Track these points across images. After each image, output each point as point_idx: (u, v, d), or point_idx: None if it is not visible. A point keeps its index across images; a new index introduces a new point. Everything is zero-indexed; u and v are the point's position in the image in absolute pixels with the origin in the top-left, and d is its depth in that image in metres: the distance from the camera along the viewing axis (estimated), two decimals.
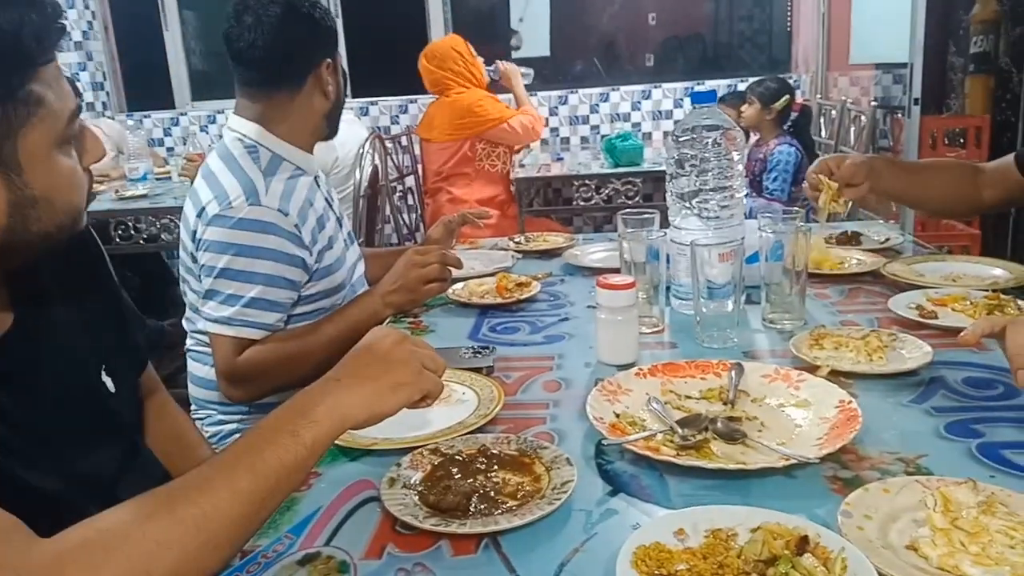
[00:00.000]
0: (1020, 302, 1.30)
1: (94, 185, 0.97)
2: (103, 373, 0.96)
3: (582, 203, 3.64)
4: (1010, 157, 1.58)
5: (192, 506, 0.64)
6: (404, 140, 4.00)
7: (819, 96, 4.59)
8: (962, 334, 0.98)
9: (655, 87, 4.73)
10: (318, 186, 1.57)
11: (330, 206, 1.60)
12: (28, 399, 0.82)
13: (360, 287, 1.63)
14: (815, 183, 1.50)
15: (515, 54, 4.92)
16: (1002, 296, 1.31)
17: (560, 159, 4.20)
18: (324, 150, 2.43)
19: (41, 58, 0.75)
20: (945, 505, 0.73)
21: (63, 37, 0.79)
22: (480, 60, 3.55)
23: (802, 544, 0.66)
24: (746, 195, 1.39)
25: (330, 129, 1.56)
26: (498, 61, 3.73)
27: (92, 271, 1.03)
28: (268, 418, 0.74)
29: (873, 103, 4.16)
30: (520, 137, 3.52)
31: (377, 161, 3.25)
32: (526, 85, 3.79)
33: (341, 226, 1.62)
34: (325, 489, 0.87)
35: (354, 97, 4.72)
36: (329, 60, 1.50)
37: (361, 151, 3.04)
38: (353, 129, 3.38)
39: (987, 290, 1.36)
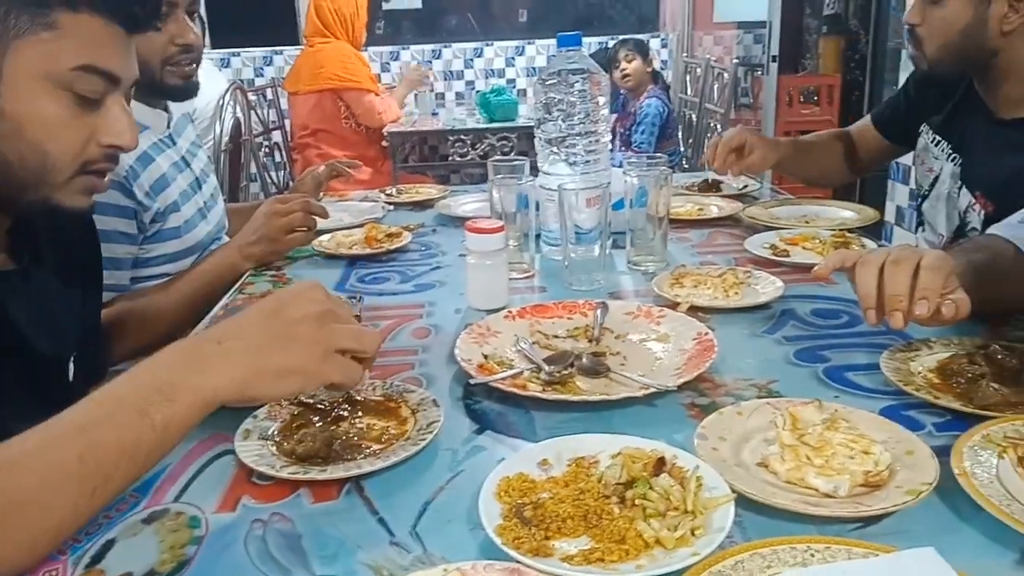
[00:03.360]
0: (865, 240, 1.39)
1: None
2: (72, 361, 0.94)
3: (458, 159, 3.61)
4: (867, 121, 1.68)
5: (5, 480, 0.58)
6: (269, 93, 3.82)
7: (685, 54, 4.71)
8: (815, 268, 1.02)
9: (528, 43, 4.72)
10: (172, 143, 1.46)
11: (188, 165, 1.50)
12: None
13: None
14: (710, 157, 1.60)
15: (386, 6, 4.77)
16: (848, 234, 1.40)
17: (435, 114, 4.14)
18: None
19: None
20: (793, 424, 0.77)
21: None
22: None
23: (659, 466, 0.68)
24: (617, 150, 1.42)
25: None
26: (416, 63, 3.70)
27: (89, 260, 1.05)
28: (119, 380, 0.65)
29: (735, 61, 4.32)
30: (369, 114, 3.43)
31: (239, 114, 3.09)
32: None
33: (200, 188, 1.52)
34: (175, 447, 0.82)
35: (214, 48, 4.46)
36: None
37: (221, 103, 2.88)
38: (212, 80, 3.18)
39: (835, 230, 1.44)
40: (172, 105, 1.51)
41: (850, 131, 1.73)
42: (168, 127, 1.49)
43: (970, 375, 0.86)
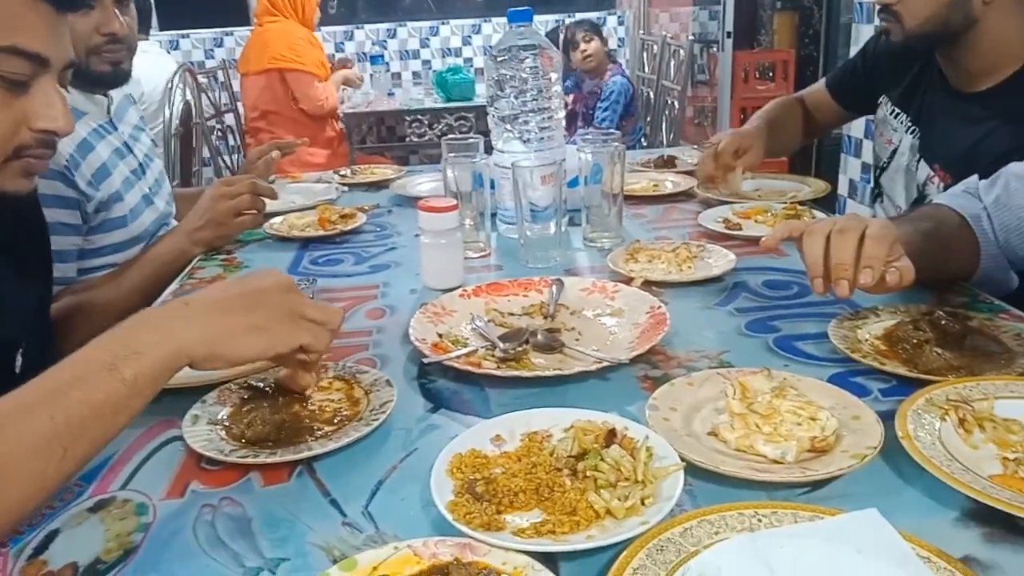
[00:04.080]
0: (816, 212, 1.41)
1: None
2: (21, 354, 0.91)
3: (415, 139, 3.57)
4: (822, 86, 1.69)
5: None
6: (220, 75, 3.74)
7: (641, 32, 4.72)
8: (763, 239, 1.03)
9: (485, 21, 4.69)
10: (114, 129, 1.42)
11: (130, 151, 1.46)
12: None
13: None
14: (710, 173, 1.55)
15: None
16: (799, 207, 1.42)
17: (392, 95, 4.09)
18: (127, 85, 2.21)
19: None
20: (743, 393, 0.77)
21: None
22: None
23: (610, 437, 0.68)
24: (579, 129, 1.41)
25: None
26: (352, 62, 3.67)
27: (37, 247, 1.01)
28: (88, 345, 0.64)
29: (691, 38, 4.33)
30: (309, 99, 3.37)
31: (189, 97, 3.01)
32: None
33: (144, 175, 1.48)
34: (122, 434, 0.79)
35: (162, 30, 4.35)
36: None
37: (169, 86, 2.81)
38: (159, 62, 3.12)
39: (787, 203, 1.46)
40: (112, 90, 1.46)
41: (804, 97, 1.74)
42: (108, 113, 1.45)
43: (915, 341, 0.88)
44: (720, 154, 1.53)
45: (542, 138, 1.36)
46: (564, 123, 1.44)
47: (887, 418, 0.72)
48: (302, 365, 0.78)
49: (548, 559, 0.57)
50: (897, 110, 1.46)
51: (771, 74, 4.24)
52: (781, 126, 1.70)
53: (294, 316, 0.71)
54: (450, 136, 1.43)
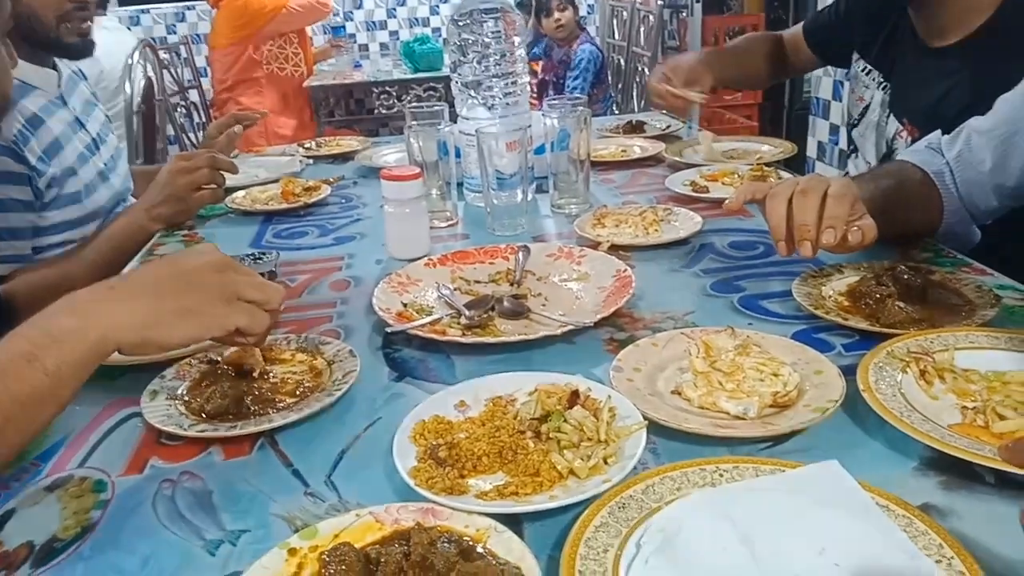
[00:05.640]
0: (783, 172, 1.40)
1: None
2: None
3: (384, 111, 3.53)
4: (799, 30, 1.68)
5: None
6: (183, 51, 3.66)
7: None
8: (727, 201, 1.03)
9: None
10: (64, 103, 1.38)
11: (83, 126, 1.42)
12: None
13: None
14: (661, 92, 1.55)
15: None
16: (765, 168, 1.41)
17: (359, 66, 4.03)
18: (87, 61, 2.16)
19: None
20: (706, 351, 0.77)
21: None
22: None
23: (573, 398, 0.68)
24: (549, 98, 1.40)
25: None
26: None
27: None
28: (10, 334, 0.61)
29: (660, 3, 4.28)
30: (307, 16, 3.31)
31: (151, 73, 2.94)
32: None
33: (98, 150, 1.44)
34: (79, 412, 0.78)
35: (121, 5, 4.24)
36: None
37: (129, 62, 2.73)
38: (118, 38, 3.03)
39: (753, 164, 1.45)
40: (61, 63, 1.43)
41: (782, 36, 1.73)
42: (59, 86, 1.41)
43: (878, 296, 0.89)
44: (670, 82, 1.56)
45: (507, 103, 1.35)
46: (532, 90, 1.42)
47: (850, 373, 0.73)
48: (244, 347, 0.75)
49: (512, 521, 0.57)
50: (869, 67, 1.46)
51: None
52: (740, 59, 1.71)
53: (230, 297, 0.67)
54: (413, 104, 1.41)
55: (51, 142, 1.30)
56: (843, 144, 1.57)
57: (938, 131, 1.09)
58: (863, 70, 1.48)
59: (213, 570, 0.57)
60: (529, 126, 1.29)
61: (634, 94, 3.78)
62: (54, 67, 1.40)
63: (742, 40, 1.76)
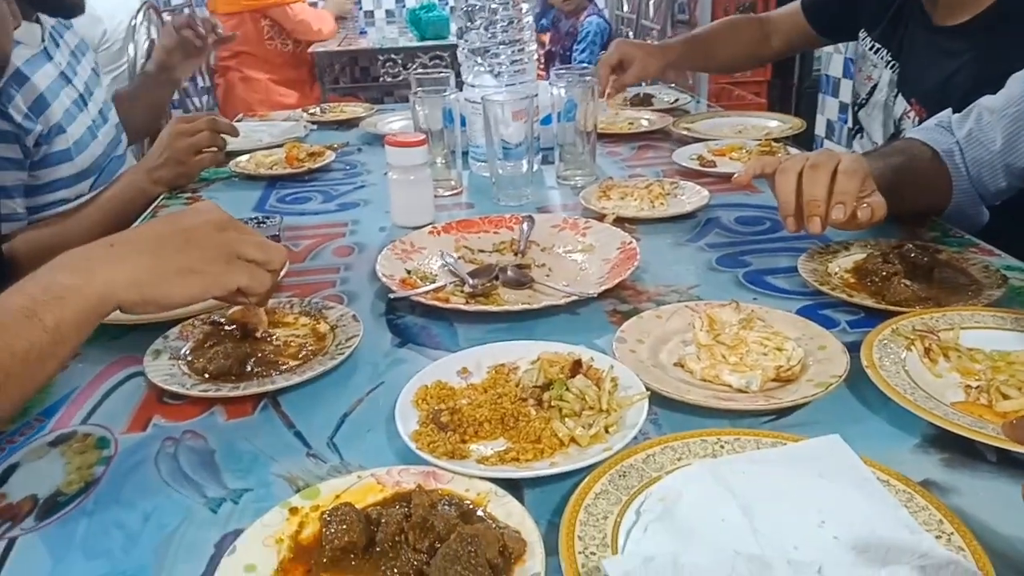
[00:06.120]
0: (791, 148, 1.39)
1: None
2: None
3: (389, 79, 3.49)
4: (797, 4, 1.66)
5: None
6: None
7: None
8: (735, 176, 1.02)
9: None
10: (49, 57, 1.37)
11: (69, 81, 1.40)
12: None
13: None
14: (601, 76, 1.59)
15: None
16: (773, 144, 1.40)
17: (364, 33, 3.99)
18: (89, 22, 2.13)
19: None
20: (710, 324, 0.77)
21: None
22: None
23: (575, 367, 0.68)
24: (557, 68, 1.38)
25: None
26: None
27: None
28: (10, 290, 0.61)
29: None
30: (302, 28, 3.27)
31: (154, 35, 2.91)
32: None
33: (87, 105, 1.43)
34: (83, 369, 0.79)
35: None
36: None
37: (133, 23, 2.71)
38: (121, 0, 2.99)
39: (761, 139, 1.44)
40: (43, 16, 1.40)
41: (769, 17, 1.71)
42: (42, 40, 1.38)
43: (884, 273, 0.88)
44: (601, 64, 1.58)
45: (514, 71, 1.33)
46: (539, 60, 1.40)
47: (854, 349, 0.73)
48: (246, 306, 0.75)
49: (512, 486, 0.57)
50: (877, 45, 1.44)
51: (752, 12, 4.17)
52: (708, 45, 1.71)
53: (230, 256, 0.66)
54: (419, 71, 1.39)
55: (37, 98, 1.28)
56: (852, 123, 1.56)
57: (948, 110, 1.08)
58: (871, 49, 1.46)
59: (215, 527, 0.57)
60: (536, 95, 1.28)
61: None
62: (37, 20, 1.38)
63: (719, 24, 1.77)
